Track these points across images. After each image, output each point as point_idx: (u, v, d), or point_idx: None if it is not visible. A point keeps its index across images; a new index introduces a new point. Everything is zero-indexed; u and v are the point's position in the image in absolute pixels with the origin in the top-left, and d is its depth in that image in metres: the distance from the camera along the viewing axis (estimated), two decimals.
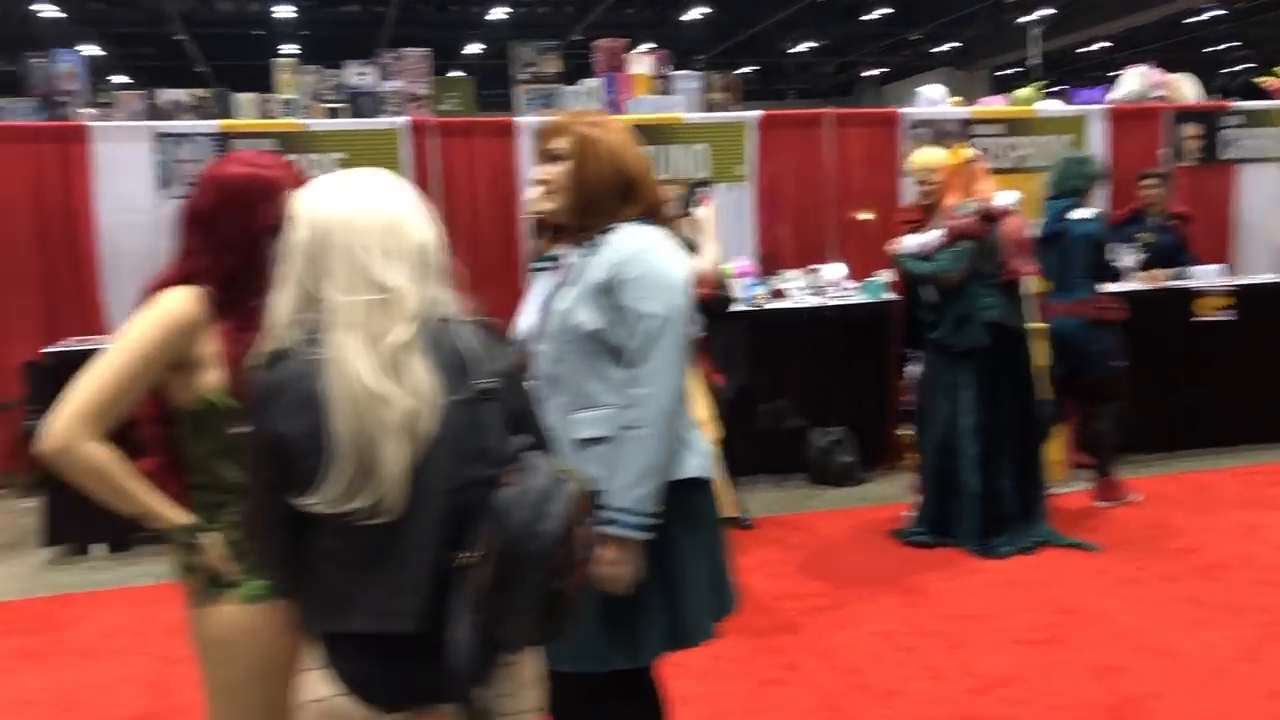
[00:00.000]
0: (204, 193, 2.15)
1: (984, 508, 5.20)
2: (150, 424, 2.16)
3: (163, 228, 7.79)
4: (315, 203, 1.84)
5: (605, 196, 2.39)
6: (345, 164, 7.92)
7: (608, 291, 2.30)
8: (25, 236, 7.48)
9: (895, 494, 6.17)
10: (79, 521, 5.68)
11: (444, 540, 1.76)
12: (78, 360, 5.86)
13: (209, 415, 2.07)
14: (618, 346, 2.31)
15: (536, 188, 2.49)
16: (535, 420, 1.92)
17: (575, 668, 2.30)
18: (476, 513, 1.74)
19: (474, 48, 19.36)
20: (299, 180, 2.14)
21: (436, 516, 1.76)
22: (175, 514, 2.10)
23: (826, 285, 7.02)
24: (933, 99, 8.96)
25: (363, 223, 1.79)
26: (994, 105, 9.21)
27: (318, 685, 1.82)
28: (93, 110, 8.20)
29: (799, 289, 6.91)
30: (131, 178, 7.64)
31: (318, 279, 1.77)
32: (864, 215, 8.43)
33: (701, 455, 2.43)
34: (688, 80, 9.29)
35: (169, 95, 8.31)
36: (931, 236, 5.24)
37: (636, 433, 2.24)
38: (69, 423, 1.99)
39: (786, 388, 6.69)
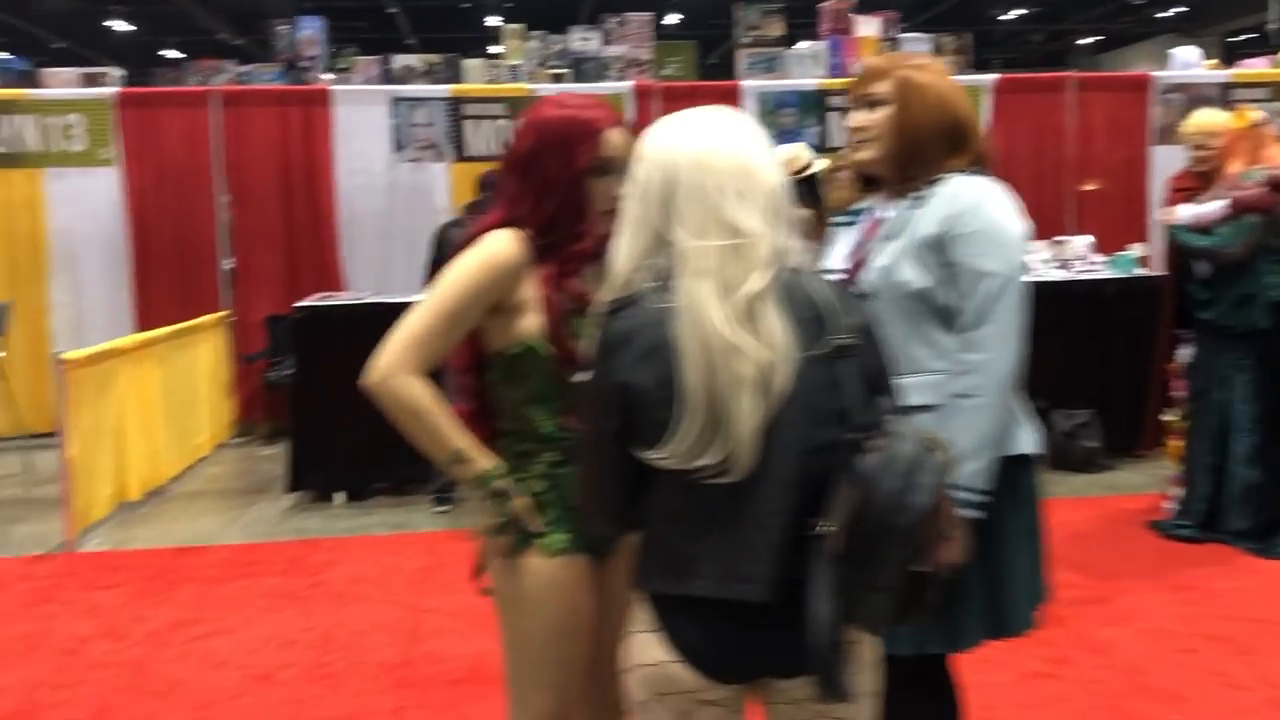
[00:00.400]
0: (524, 137, 2.08)
1: (1262, 503, 4.76)
2: (462, 370, 2.13)
3: (396, 190, 8.06)
4: (664, 142, 1.73)
5: (931, 144, 2.20)
6: None
7: (939, 247, 2.12)
8: (271, 197, 7.82)
9: (1145, 483, 5.75)
10: (322, 470, 5.90)
11: (797, 506, 1.63)
12: (324, 315, 6.20)
13: (525, 360, 2.02)
14: (946, 307, 2.13)
15: (853, 135, 2.32)
16: (891, 381, 1.77)
17: (886, 649, 2.15)
18: (835, 479, 1.60)
19: (672, 18, 19.26)
20: (617, 121, 2.07)
21: (790, 479, 1.63)
22: (485, 459, 2.05)
23: (1072, 258, 6.59)
24: (1188, 62, 8.30)
25: (715, 163, 1.67)
26: (1258, 68, 8.45)
27: (648, 649, 1.73)
28: (330, 75, 8.51)
29: (1042, 262, 6.50)
30: (368, 141, 7.87)
31: (667, 221, 1.66)
32: (1091, 186, 7.91)
33: (1031, 429, 2.23)
34: (916, 43, 8.92)
35: (402, 61, 8.53)
36: (1211, 208, 4.79)
37: (971, 402, 2.06)
38: (392, 356, 1.97)
39: (1028, 366, 6.31)
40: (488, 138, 7.94)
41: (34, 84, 7.94)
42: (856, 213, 2.42)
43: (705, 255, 1.63)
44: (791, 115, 8.18)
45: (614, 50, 8.72)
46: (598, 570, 2.09)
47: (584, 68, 8.64)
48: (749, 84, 8.22)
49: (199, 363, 7.14)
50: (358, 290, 7.28)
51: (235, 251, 7.86)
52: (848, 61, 8.48)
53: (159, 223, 7.76)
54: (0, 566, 4.89)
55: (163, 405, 6.30)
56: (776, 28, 8.98)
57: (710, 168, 1.66)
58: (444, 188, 7.93)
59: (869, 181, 2.38)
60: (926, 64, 2.30)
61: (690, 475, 1.63)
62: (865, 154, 2.28)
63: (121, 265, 7.76)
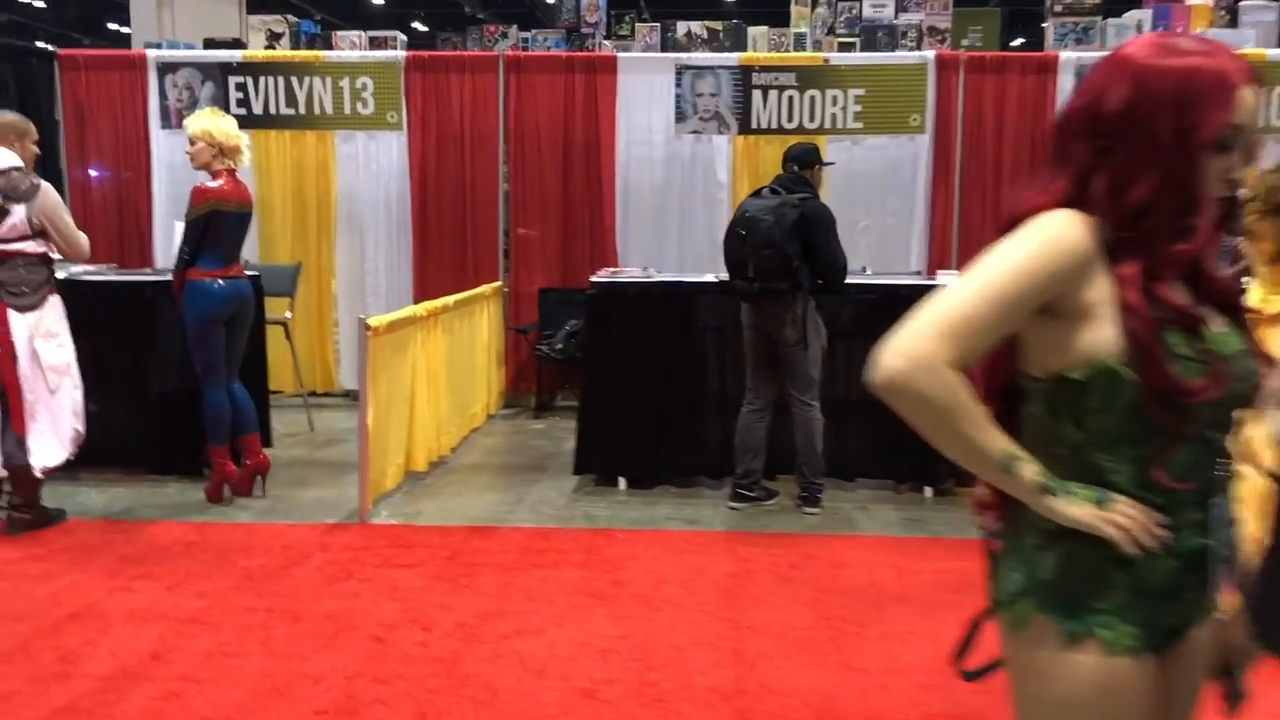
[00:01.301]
0: (1109, 88, 1.49)
1: None
2: (984, 389, 1.60)
3: (675, 163, 7.71)
4: None
5: None
6: (864, 100, 7.37)
7: None
8: (549, 167, 7.62)
9: None
10: (606, 453, 5.62)
11: None
12: (618, 293, 5.86)
13: (1096, 388, 1.48)
14: None
15: None
16: None
17: None
18: None
19: None
20: (1249, 76, 1.48)
21: None
22: (1034, 471, 1.51)
23: None
24: None
25: None
26: None
27: None
28: (608, 42, 8.24)
29: None
30: (651, 110, 7.55)
31: None
32: None
33: None
34: (1260, 11, 7.86)
35: (685, 27, 8.16)
36: None
37: None
38: (921, 343, 1.44)
39: None
40: (776, 109, 7.47)
41: (326, 47, 8.01)
42: None
43: None
44: None
45: (909, 18, 8.06)
46: (1160, 668, 1.56)
47: (875, 36, 8.04)
48: (1067, 55, 7.41)
49: (478, 333, 7.02)
50: (630, 266, 6.98)
51: (511, 221, 7.72)
52: (1177, 32, 7.54)
53: (441, 189, 7.70)
54: (297, 534, 4.81)
55: (446, 374, 6.17)
56: None
57: None
58: (725, 162, 7.52)
59: None
60: None
61: None
62: None
63: (403, 230, 7.75)
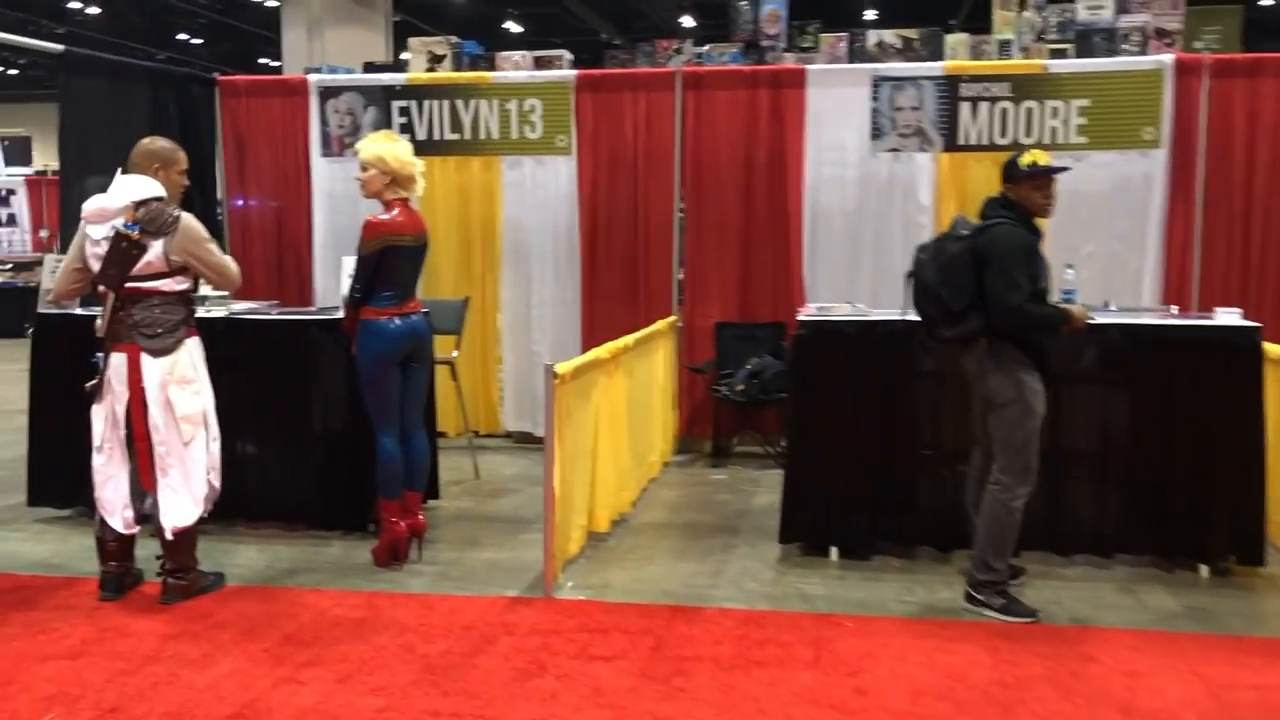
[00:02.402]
0: None
1: None
2: None
3: (869, 185, 6.94)
4: None
5: None
6: (1089, 112, 6.52)
7: None
8: (731, 190, 6.98)
9: None
10: (813, 514, 4.90)
11: None
12: (830, 332, 4.71)
13: None
14: None
15: None
16: None
17: None
18: None
19: None
20: None
21: None
22: None
23: None
24: None
25: None
26: None
27: None
28: (789, 55, 7.58)
29: None
30: (843, 127, 6.84)
31: None
32: None
33: None
34: None
35: (876, 37, 7.43)
36: None
37: None
38: None
39: None
40: (987, 123, 6.67)
41: (490, 69, 7.55)
42: None
43: None
44: None
45: (1131, 19, 7.16)
46: None
47: (1092, 41, 7.16)
48: None
49: (655, 373, 6.41)
50: (820, 300, 6.27)
51: (687, 250, 7.11)
52: None
53: (612, 216, 7.15)
54: (476, 610, 4.23)
55: (627, 421, 5.56)
56: None
57: None
58: (928, 182, 6.76)
59: None
60: None
61: None
62: None
63: (571, 261, 7.21)
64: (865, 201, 6.85)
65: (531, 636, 3.96)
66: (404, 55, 8.34)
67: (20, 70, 27.19)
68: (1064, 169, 4.27)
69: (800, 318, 4.94)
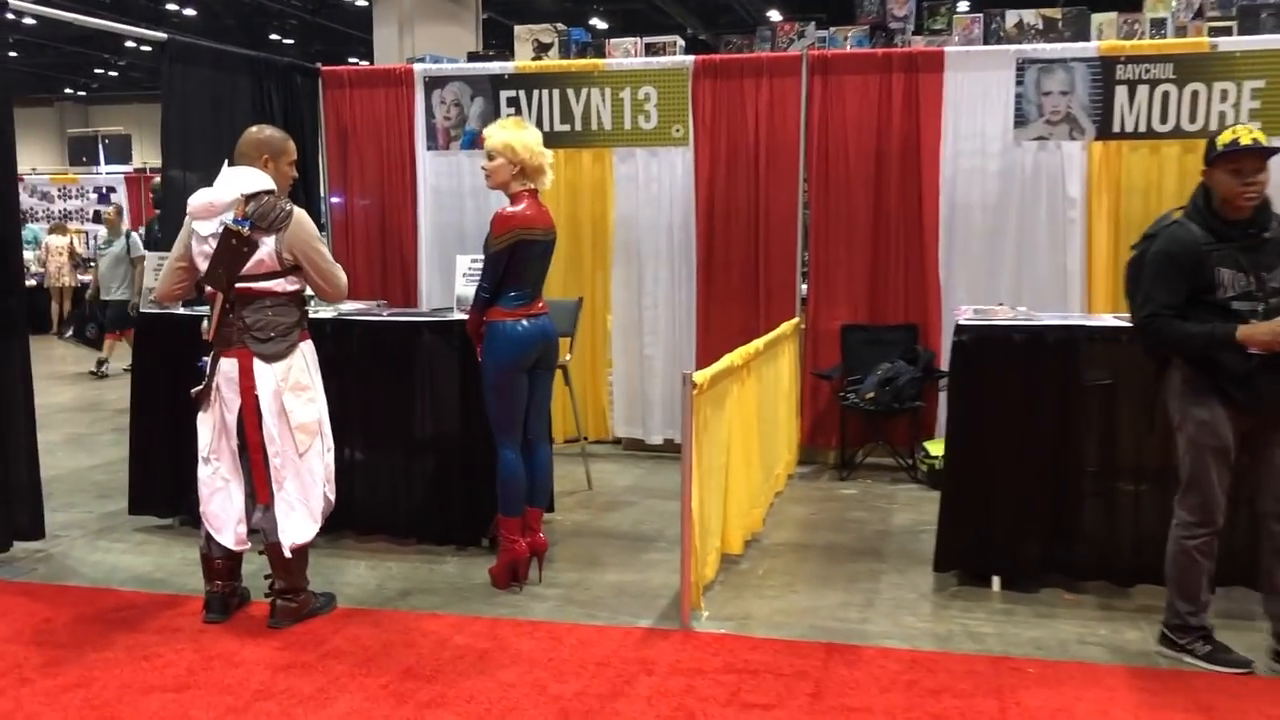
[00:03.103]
0: None
1: None
2: None
3: (1012, 176, 6.32)
4: None
5: None
6: (1264, 94, 5.91)
7: None
8: (859, 182, 6.50)
9: None
10: (976, 544, 4.42)
11: None
12: (996, 339, 3.94)
13: None
14: None
15: None
16: None
17: None
18: None
19: None
20: None
21: None
22: None
23: None
24: None
25: None
26: None
27: None
28: (918, 38, 7.08)
29: None
30: (984, 114, 6.31)
31: None
32: None
33: None
34: None
35: (1015, 17, 6.89)
36: None
37: None
38: None
39: None
40: (1145, 109, 6.09)
41: (599, 57, 7.18)
42: None
43: None
44: None
45: None
46: None
47: (1258, 18, 6.53)
48: None
49: (780, 379, 5.97)
50: (959, 302, 5.78)
51: (811, 247, 6.65)
52: None
53: (730, 211, 6.71)
54: (609, 645, 3.84)
55: (758, 433, 5.13)
56: None
57: None
58: (1079, 173, 6.20)
59: None
60: None
61: None
62: None
63: (686, 259, 6.80)
64: (1007, 194, 6.31)
65: (673, 677, 3.56)
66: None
67: (120, 72, 27.75)
68: (1275, 150, 3.65)
69: (960, 321, 4.45)
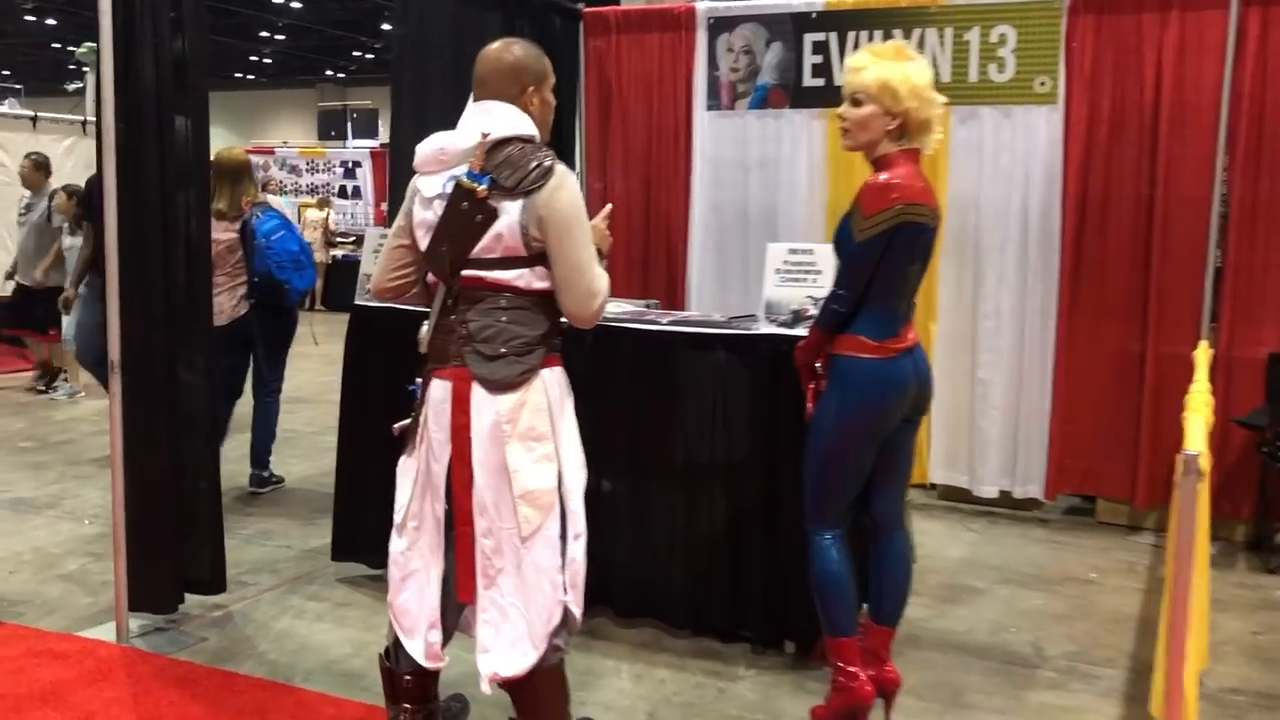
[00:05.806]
0: None
1: None
2: None
3: None
4: None
5: None
6: None
7: None
8: None
9: None
10: None
11: None
12: None
13: None
14: None
15: None
16: None
17: None
18: None
19: None
20: None
21: None
22: None
23: None
24: None
25: None
26: None
27: None
28: None
29: None
30: None
31: None
32: None
33: None
34: None
35: None
36: None
37: None
38: None
39: None
40: None
41: None
42: None
43: None
44: None
45: None
46: None
47: None
48: None
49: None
50: None
51: (1230, 246, 4.84)
52: None
53: (1111, 192, 4.99)
54: None
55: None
56: None
57: None
58: None
59: None
60: None
61: None
62: None
63: (1046, 254, 5.11)
64: None
65: None
66: None
67: (375, 54, 28.08)
68: None
69: None
